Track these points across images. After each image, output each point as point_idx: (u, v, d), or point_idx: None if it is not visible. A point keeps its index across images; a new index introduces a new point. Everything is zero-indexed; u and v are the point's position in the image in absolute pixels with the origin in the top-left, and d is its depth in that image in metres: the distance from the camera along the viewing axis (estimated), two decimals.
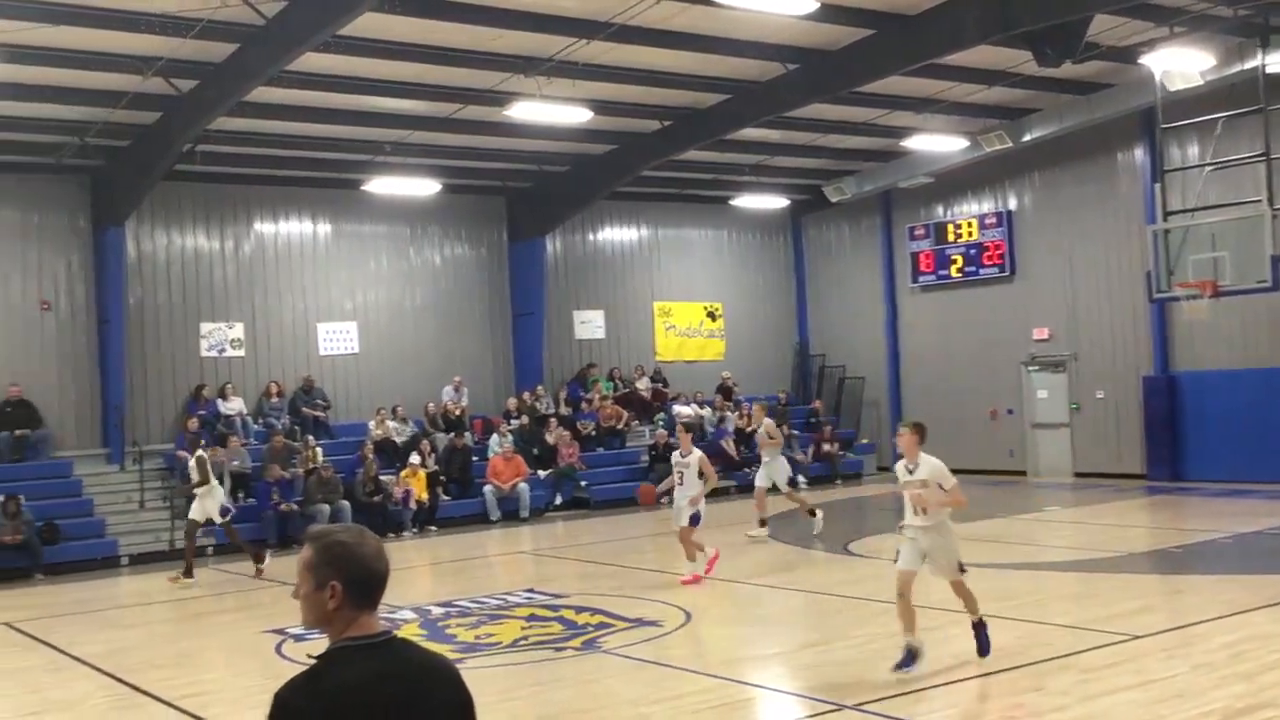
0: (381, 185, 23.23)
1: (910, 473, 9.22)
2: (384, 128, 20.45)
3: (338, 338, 23.74)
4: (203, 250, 22.60)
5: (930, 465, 9.16)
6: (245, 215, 23.01)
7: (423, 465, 21.52)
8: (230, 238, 22.89)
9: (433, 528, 21.18)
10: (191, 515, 16.74)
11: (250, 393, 22.51)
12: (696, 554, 14.14)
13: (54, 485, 19.54)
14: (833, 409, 28.53)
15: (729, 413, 26.25)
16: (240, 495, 20.10)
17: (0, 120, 18.29)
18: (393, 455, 21.89)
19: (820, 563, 15.71)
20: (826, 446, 26.22)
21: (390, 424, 22.46)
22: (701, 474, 14.22)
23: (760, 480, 17.93)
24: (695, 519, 14.06)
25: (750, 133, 22.11)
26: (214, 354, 22.46)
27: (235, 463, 20.25)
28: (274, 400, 22.44)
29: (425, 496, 21.25)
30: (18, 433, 19.74)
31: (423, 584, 16.02)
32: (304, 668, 2.98)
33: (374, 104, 19.19)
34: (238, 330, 22.73)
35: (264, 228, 23.25)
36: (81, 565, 18.16)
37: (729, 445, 25.07)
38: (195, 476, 16.68)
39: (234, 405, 21.90)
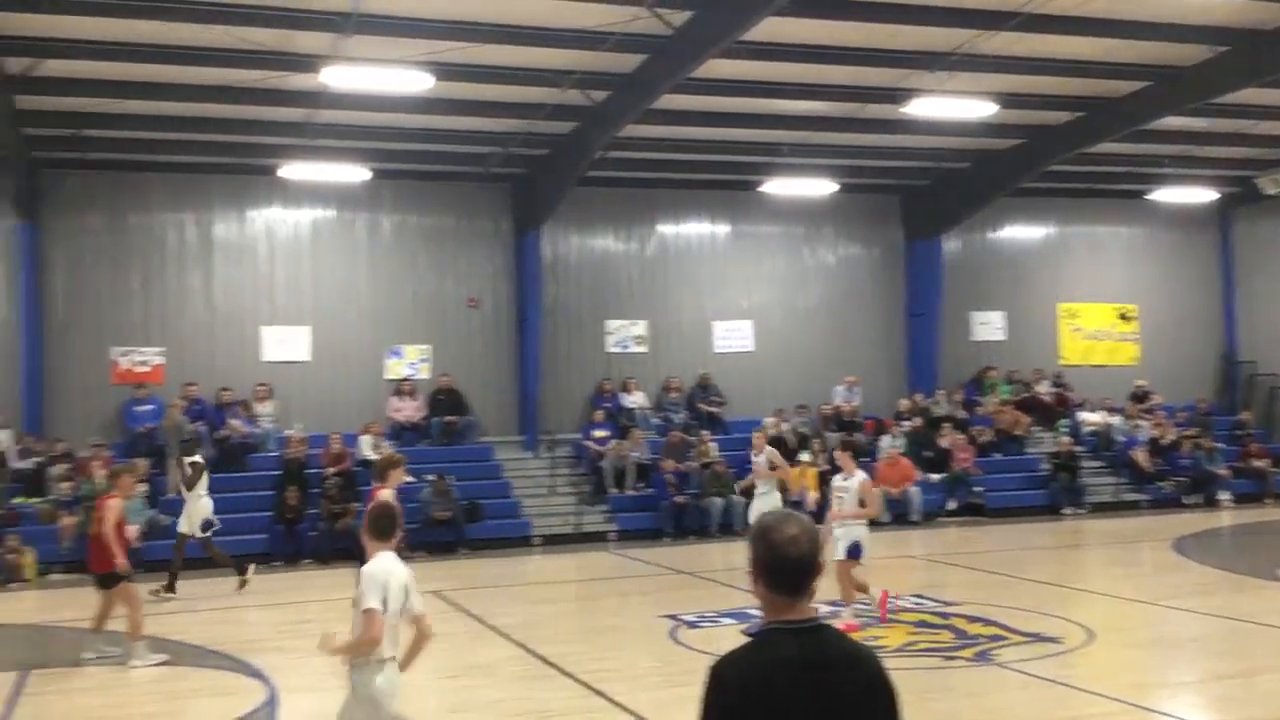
0: (778, 186, 23.56)
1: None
2: (783, 129, 20.70)
3: (733, 336, 24.31)
4: (610, 251, 23.86)
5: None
6: (649, 217, 24.04)
7: (813, 463, 21.61)
8: (635, 239, 24.01)
9: (821, 526, 21.18)
10: (180, 528, 15.88)
11: (650, 387, 23.48)
12: (856, 596, 11.94)
13: (477, 468, 21.30)
14: (1262, 421, 25.97)
15: (1143, 421, 24.53)
16: (641, 485, 21.05)
17: (435, 134, 20.18)
18: (785, 452, 22.09)
19: (1245, 588, 14.34)
20: (1255, 462, 23.92)
21: (785, 425, 22.70)
22: (863, 501, 12.03)
23: (753, 518, 16.22)
24: (855, 551, 11.90)
25: (1171, 121, 20.49)
26: (618, 350, 23.64)
27: (636, 454, 21.23)
28: (673, 395, 23.31)
29: (816, 494, 21.31)
30: (448, 419, 21.68)
31: None
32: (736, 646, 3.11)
33: (774, 106, 19.47)
34: (640, 327, 23.80)
35: (666, 229, 24.20)
36: (498, 543, 19.66)
37: (1141, 456, 23.44)
38: (186, 479, 15.95)
39: (635, 399, 22.95)
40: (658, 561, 17.58)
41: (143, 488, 18.38)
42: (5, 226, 20.20)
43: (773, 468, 15.18)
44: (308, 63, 16.02)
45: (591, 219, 23.57)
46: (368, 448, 20.26)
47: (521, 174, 22.27)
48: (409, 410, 21.68)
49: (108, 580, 11.45)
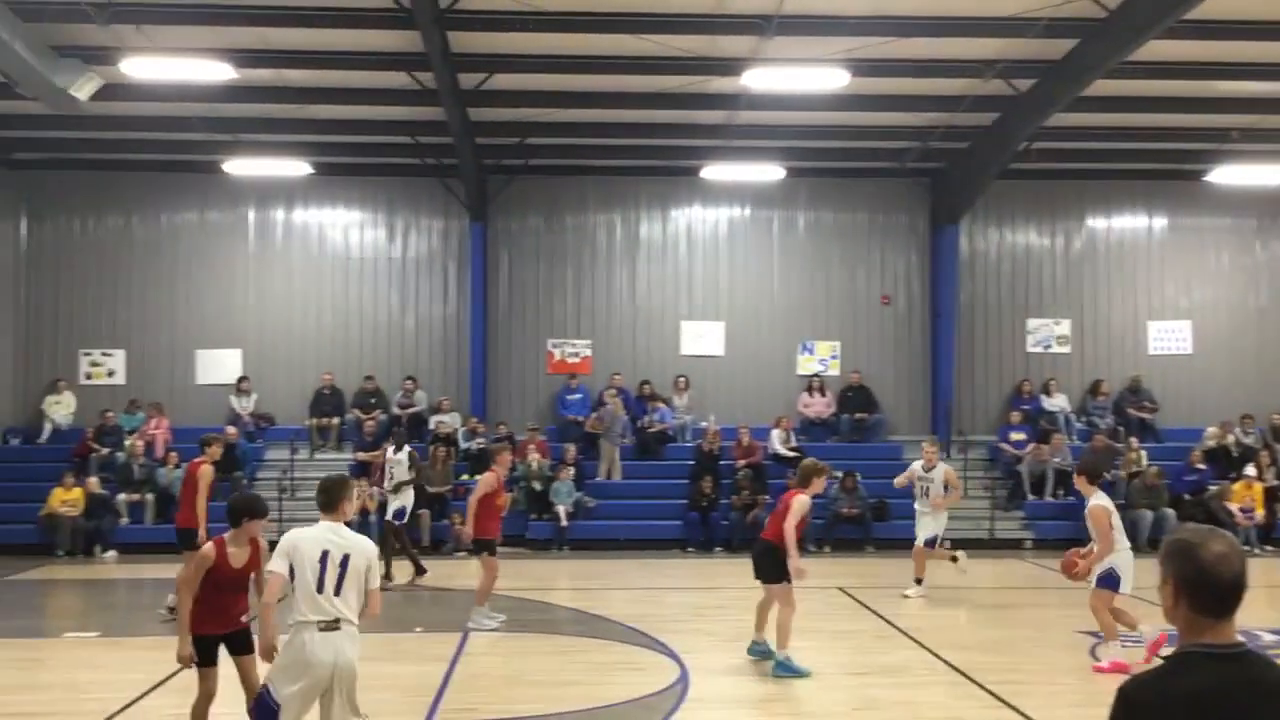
0: (1226, 175, 21.62)
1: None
2: (1232, 113, 18.96)
3: (1169, 336, 22.61)
4: (1032, 247, 22.87)
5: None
6: (1075, 211, 22.82)
7: (1259, 478, 19.70)
8: (1060, 234, 22.87)
9: (1268, 546, 19.30)
10: (388, 516, 16.00)
11: (1074, 390, 22.29)
12: (1132, 625, 10.66)
13: (886, 466, 20.97)
14: None
15: None
16: (1061, 492, 20.01)
17: (851, 129, 20.13)
18: (1227, 465, 20.31)
19: None
20: None
21: (1231, 435, 20.82)
22: (948, 487, 12.54)
23: (920, 535, 14.97)
24: (1108, 580, 10.55)
25: None
26: (1039, 350, 22.62)
27: (1058, 459, 20.20)
28: (1099, 399, 22.00)
29: (1262, 512, 19.45)
30: (857, 416, 21.64)
31: (1256, 607, 14.63)
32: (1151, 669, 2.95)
33: (1222, 89, 17.90)
34: (1064, 327, 22.65)
35: (1095, 223, 22.88)
36: (906, 543, 19.21)
37: None
38: (401, 474, 16.03)
39: (1057, 402, 21.86)
40: None
41: (570, 471, 19.70)
42: (458, 227, 22.28)
43: (946, 488, 14.80)
44: (730, 66, 16.49)
45: (1013, 213, 22.70)
46: (778, 442, 20.59)
47: (939, 168, 21.80)
48: (819, 406, 21.83)
49: (477, 546, 12.45)
